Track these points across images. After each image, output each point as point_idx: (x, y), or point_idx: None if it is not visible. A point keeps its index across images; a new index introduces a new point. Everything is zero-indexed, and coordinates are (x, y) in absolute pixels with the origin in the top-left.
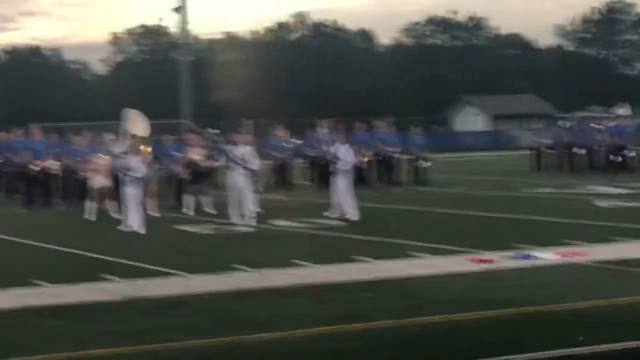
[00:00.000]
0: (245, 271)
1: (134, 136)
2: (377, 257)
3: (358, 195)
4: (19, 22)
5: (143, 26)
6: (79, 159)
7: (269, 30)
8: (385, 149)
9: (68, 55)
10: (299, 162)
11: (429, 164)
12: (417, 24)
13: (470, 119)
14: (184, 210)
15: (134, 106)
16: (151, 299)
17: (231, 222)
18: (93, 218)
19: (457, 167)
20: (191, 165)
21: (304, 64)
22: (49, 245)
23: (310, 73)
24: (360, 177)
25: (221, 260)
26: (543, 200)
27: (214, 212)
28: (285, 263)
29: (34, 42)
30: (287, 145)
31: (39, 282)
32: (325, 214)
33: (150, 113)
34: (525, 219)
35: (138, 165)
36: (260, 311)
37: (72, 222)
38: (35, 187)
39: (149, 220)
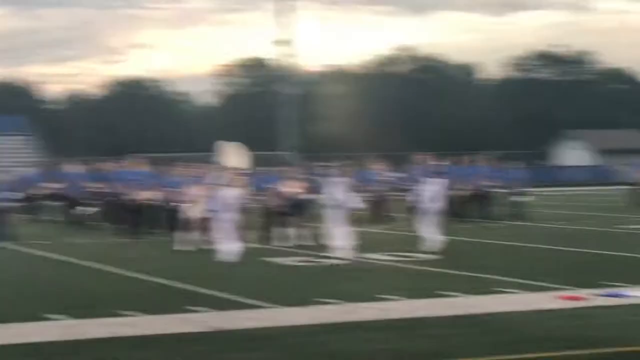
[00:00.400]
0: (334, 304)
1: (228, 168)
2: (466, 292)
3: (455, 229)
4: (127, 54)
5: (248, 58)
6: (174, 189)
7: (374, 63)
8: (482, 183)
9: (173, 87)
10: (396, 195)
11: (527, 198)
12: (523, 57)
13: (575, 154)
14: (276, 243)
15: (236, 138)
16: (238, 331)
17: (325, 254)
18: (185, 248)
19: (557, 202)
20: (284, 197)
21: (408, 97)
22: (138, 275)
23: (415, 106)
24: (455, 211)
25: (310, 293)
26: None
27: (309, 244)
28: (374, 297)
29: (140, 74)
30: (384, 178)
31: (126, 312)
32: (418, 247)
33: (253, 145)
34: (620, 255)
35: (232, 197)
36: (347, 345)
37: (164, 251)
38: (137, 217)
39: (240, 252)
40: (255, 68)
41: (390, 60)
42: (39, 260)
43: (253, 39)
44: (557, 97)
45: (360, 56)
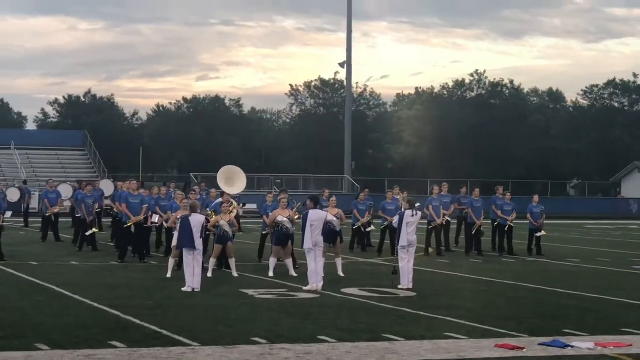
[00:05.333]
0: None
1: (222, 193)
2: (407, 337)
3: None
4: (222, 71)
5: (320, 79)
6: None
7: (452, 87)
8: (502, 217)
9: (255, 105)
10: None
11: (543, 233)
12: (595, 86)
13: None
14: (270, 274)
15: (305, 157)
16: None
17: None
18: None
19: (586, 237)
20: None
21: (483, 122)
22: (92, 304)
23: (489, 132)
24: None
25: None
26: None
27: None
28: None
29: (229, 91)
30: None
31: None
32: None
33: (316, 166)
34: (613, 300)
35: (223, 224)
36: None
37: (147, 278)
38: (134, 239)
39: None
40: (327, 88)
41: (469, 84)
42: (11, 281)
43: (335, 59)
44: (629, 127)
45: (440, 79)
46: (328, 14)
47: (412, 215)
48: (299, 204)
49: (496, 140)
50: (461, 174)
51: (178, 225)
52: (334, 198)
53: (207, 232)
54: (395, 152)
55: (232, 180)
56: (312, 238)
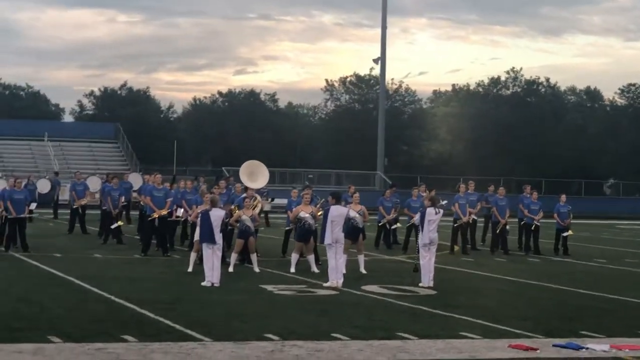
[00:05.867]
0: None
1: (246, 188)
2: (425, 335)
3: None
4: (260, 65)
5: (355, 75)
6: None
7: (489, 84)
8: (528, 215)
9: (293, 99)
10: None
11: (570, 232)
12: (633, 85)
13: None
14: (291, 269)
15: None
16: None
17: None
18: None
19: (617, 238)
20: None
21: (514, 121)
22: (109, 296)
23: (521, 130)
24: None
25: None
26: None
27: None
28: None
29: (266, 85)
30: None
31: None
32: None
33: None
34: (631, 302)
35: (245, 219)
36: None
37: (168, 271)
38: (156, 232)
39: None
40: (362, 84)
41: (504, 82)
42: (32, 273)
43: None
44: None
45: (478, 76)
46: (367, 9)
47: (435, 214)
48: (323, 200)
49: (532, 139)
50: (497, 172)
51: (199, 220)
52: (357, 194)
53: (230, 227)
54: (430, 149)
55: (255, 175)
56: (333, 234)
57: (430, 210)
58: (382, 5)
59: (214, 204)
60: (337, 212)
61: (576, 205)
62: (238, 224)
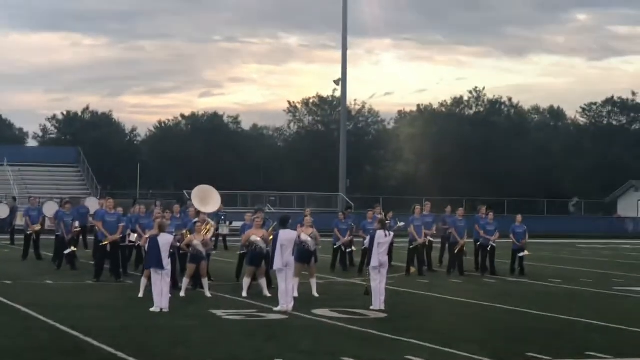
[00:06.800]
0: None
1: (198, 212)
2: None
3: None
4: (226, 87)
5: (318, 96)
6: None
7: (451, 104)
8: (484, 236)
9: (258, 121)
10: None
11: (526, 253)
12: (594, 104)
13: (635, 205)
14: (243, 294)
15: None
16: None
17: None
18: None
19: (575, 257)
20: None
21: (477, 140)
22: (54, 324)
23: (484, 150)
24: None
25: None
26: (625, 302)
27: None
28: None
29: (229, 107)
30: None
31: None
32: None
33: (311, 184)
34: (582, 322)
35: (196, 243)
36: None
37: (119, 297)
38: (108, 258)
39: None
40: (325, 105)
41: (467, 102)
42: None
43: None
44: (627, 145)
45: (444, 97)
46: (332, 30)
47: (385, 236)
48: (275, 223)
49: (496, 158)
50: (461, 192)
51: (146, 245)
52: (308, 217)
53: (181, 251)
54: (394, 170)
55: (207, 200)
56: (283, 258)
57: (380, 233)
58: (342, 26)
59: (161, 229)
60: (286, 236)
61: (540, 224)
62: (190, 249)
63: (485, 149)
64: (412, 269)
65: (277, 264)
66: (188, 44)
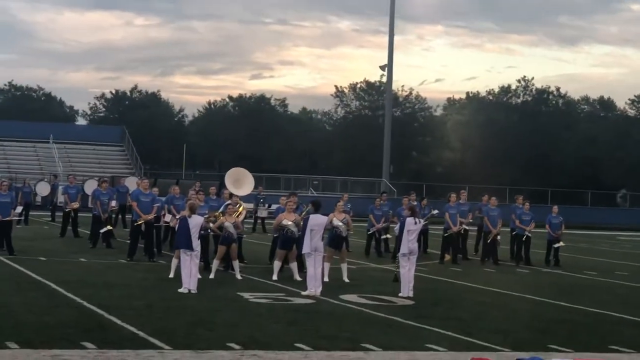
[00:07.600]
0: None
1: (231, 195)
2: (386, 347)
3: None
4: (276, 70)
5: (365, 81)
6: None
7: (500, 93)
8: (520, 226)
9: (307, 105)
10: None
11: (561, 244)
12: None
13: None
14: (274, 277)
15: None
16: None
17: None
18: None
19: (614, 250)
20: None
21: (524, 130)
22: (81, 302)
23: (530, 139)
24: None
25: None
26: None
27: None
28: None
29: (281, 90)
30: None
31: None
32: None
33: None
34: (609, 315)
35: (228, 225)
36: None
37: (152, 277)
38: (142, 237)
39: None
40: (372, 90)
41: (514, 91)
42: (11, 276)
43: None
44: None
45: (493, 85)
46: (384, 15)
47: (415, 224)
48: (308, 207)
49: (542, 148)
50: (506, 181)
51: (177, 226)
52: (341, 203)
53: (212, 232)
54: (439, 157)
55: (240, 182)
56: (312, 243)
57: (409, 220)
58: (389, 11)
59: (192, 210)
60: (316, 221)
61: (583, 215)
62: (220, 231)
63: (532, 138)
64: (447, 257)
65: (306, 248)
66: (239, 25)
